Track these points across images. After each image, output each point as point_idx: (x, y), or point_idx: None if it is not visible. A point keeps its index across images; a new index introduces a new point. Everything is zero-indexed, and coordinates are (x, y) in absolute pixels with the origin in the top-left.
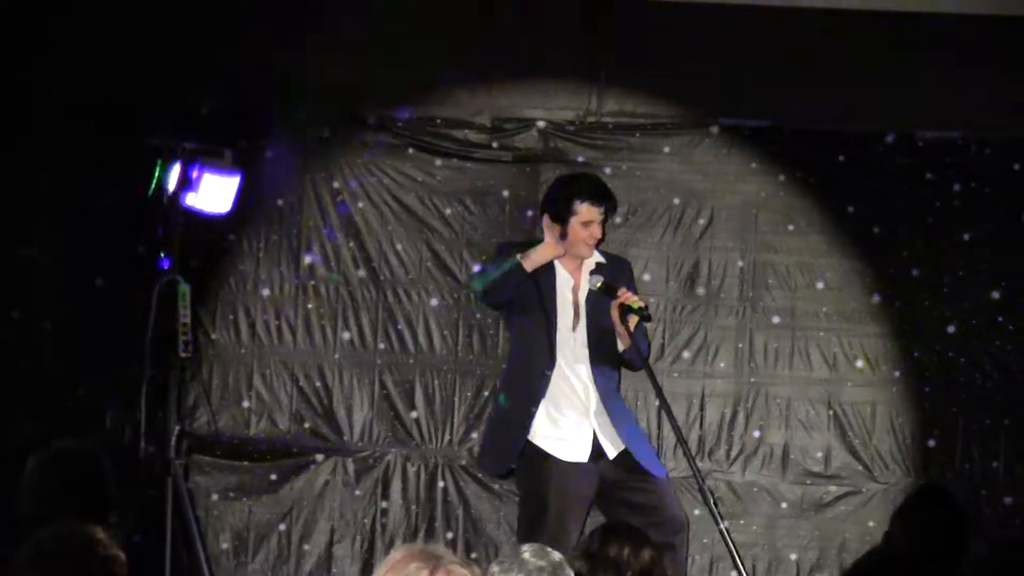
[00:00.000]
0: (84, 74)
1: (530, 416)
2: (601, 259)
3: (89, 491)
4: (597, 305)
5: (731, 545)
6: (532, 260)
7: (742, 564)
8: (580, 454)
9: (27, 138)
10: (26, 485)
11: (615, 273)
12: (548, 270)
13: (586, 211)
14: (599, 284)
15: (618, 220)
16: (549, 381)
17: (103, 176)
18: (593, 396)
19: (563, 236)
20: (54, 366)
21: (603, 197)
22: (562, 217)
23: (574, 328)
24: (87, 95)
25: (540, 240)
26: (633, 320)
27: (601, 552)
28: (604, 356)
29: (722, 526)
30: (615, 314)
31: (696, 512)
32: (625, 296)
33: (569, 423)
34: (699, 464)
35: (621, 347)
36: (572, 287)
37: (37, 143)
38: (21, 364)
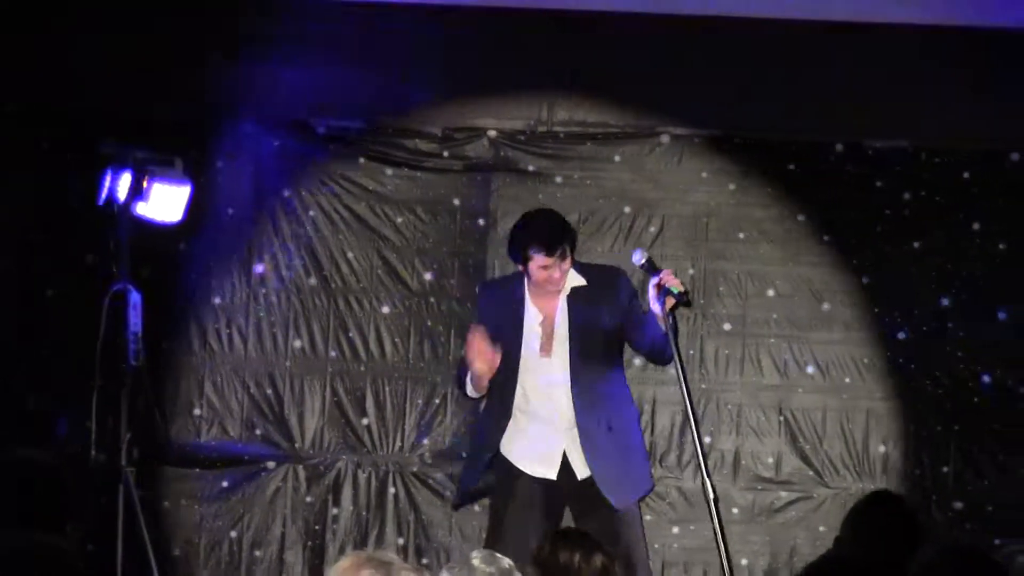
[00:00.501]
0: (36, 85)
1: (492, 449)
2: (582, 282)
3: (45, 501)
4: (586, 326)
5: (723, 549)
6: (475, 387)
7: (730, 566)
8: (547, 471)
9: None
10: None
11: (598, 291)
12: (517, 303)
13: (540, 259)
14: (644, 261)
15: None
16: (510, 414)
17: (53, 186)
18: (568, 416)
19: (527, 275)
20: (4, 376)
21: (554, 245)
22: (520, 261)
23: (547, 353)
24: (38, 106)
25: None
26: (670, 303)
27: (552, 558)
28: (588, 375)
29: (716, 525)
30: (653, 292)
31: (648, 517)
32: (666, 277)
33: (539, 441)
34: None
35: (663, 329)
36: (540, 321)
37: None
38: None
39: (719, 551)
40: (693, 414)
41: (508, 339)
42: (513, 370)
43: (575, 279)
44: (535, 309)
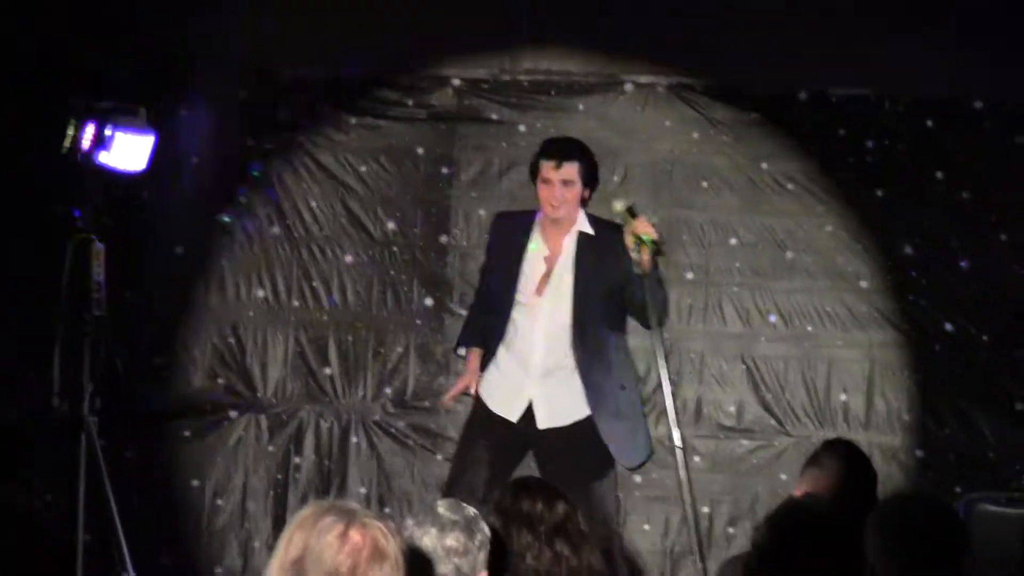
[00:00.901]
0: None
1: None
2: (590, 230)
3: (5, 454)
4: (591, 272)
5: (688, 500)
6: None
7: (696, 521)
8: (510, 412)
9: None
10: None
11: (606, 244)
12: (524, 234)
13: (543, 167)
14: (624, 207)
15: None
16: (496, 351)
17: (16, 136)
18: (541, 361)
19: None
20: None
21: (557, 154)
22: (533, 177)
23: (539, 292)
24: (2, 58)
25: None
26: (645, 252)
27: (514, 507)
28: (593, 326)
29: (683, 477)
30: (629, 240)
31: None
32: (640, 225)
33: (510, 381)
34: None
35: (636, 271)
36: (545, 256)
37: None
38: None
39: (683, 500)
40: (666, 366)
41: (507, 271)
42: (507, 306)
43: (584, 224)
44: (541, 240)
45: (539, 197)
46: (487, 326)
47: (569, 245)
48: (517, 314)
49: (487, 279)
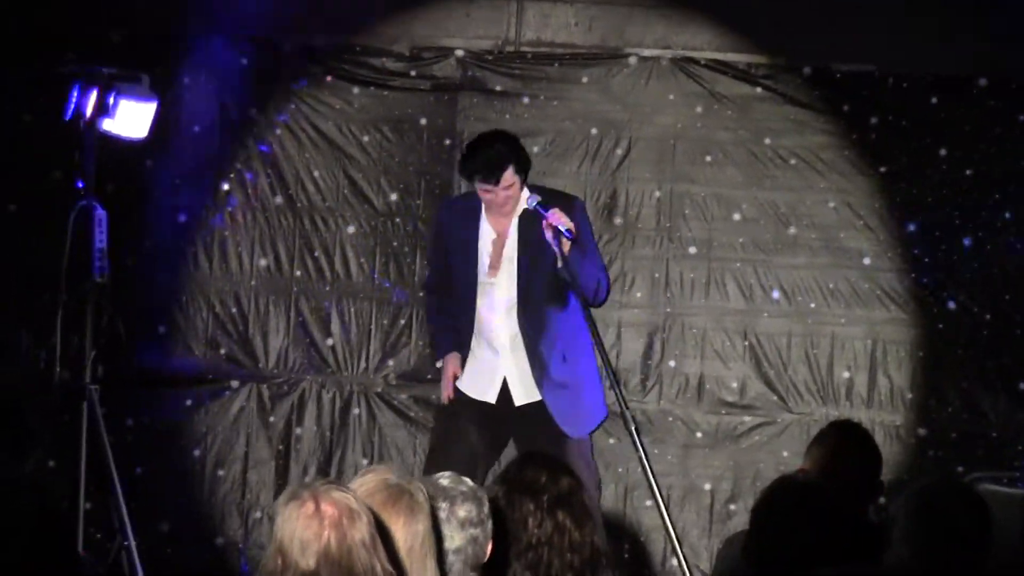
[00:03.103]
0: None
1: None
2: (527, 205)
3: (9, 426)
4: (536, 248)
5: (650, 473)
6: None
7: (660, 492)
8: (486, 394)
9: None
10: None
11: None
12: (475, 219)
13: (479, 187)
14: (535, 204)
15: (536, 149)
16: (462, 329)
17: (19, 103)
18: (507, 339)
19: None
20: None
21: (487, 173)
22: (469, 181)
23: (495, 273)
24: (3, 25)
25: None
26: (565, 244)
27: (518, 476)
28: (537, 300)
29: (641, 453)
30: (548, 234)
31: (611, 441)
32: (553, 217)
33: (483, 363)
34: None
35: (559, 264)
36: (492, 239)
37: None
38: None
39: (648, 482)
40: (604, 353)
41: (465, 257)
42: (472, 291)
43: (524, 204)
44: (489, 226)
45: (480, 195)
46: (456, 325)
47: (515, 222)
48: (480, 298)
49: (445, 263)
